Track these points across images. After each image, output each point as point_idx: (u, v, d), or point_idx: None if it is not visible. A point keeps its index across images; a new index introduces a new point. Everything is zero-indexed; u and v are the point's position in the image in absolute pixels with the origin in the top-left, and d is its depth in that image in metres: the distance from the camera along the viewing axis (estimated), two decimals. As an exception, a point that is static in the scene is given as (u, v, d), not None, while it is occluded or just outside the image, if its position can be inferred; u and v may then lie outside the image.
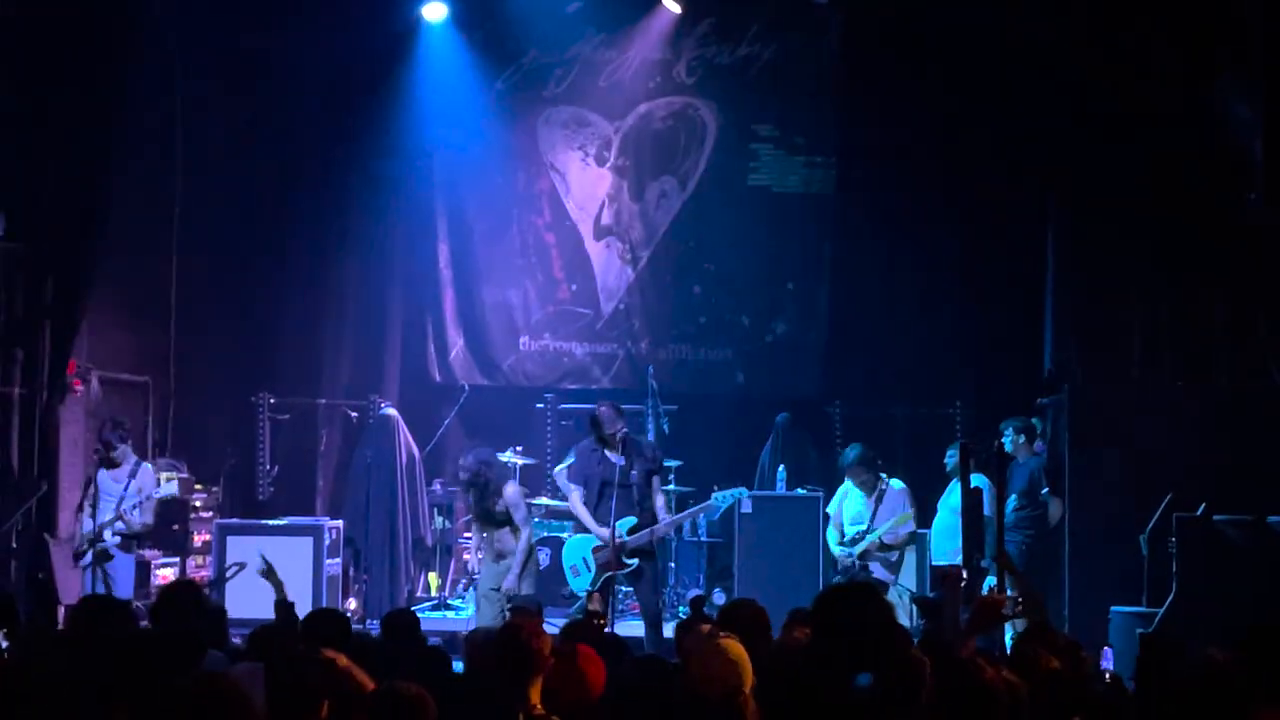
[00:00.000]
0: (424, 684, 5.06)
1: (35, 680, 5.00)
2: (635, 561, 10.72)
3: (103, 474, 11.79)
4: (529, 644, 5.53)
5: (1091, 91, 12.29)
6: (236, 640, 7.47)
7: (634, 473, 11.01)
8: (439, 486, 14.32)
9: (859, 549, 11.73)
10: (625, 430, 11.09)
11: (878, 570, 11.74)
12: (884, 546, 11.74)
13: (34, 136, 12.82)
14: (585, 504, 11.04)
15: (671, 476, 12.19)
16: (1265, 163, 11.45)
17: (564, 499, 13.75)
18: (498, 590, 10.66)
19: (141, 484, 11.79)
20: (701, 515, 13.64)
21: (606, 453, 11.01)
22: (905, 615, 12.45)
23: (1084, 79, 12.40)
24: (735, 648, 5.40)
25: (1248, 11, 11.69)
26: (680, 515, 11.30)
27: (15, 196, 12.76)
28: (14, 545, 12.67)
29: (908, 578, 12.63)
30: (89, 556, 11.62)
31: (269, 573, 8.51)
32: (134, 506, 11.66)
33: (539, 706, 5.45)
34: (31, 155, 12.83)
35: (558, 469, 13.20)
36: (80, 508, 11.91)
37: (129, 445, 12.01)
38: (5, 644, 6.88)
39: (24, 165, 12.81)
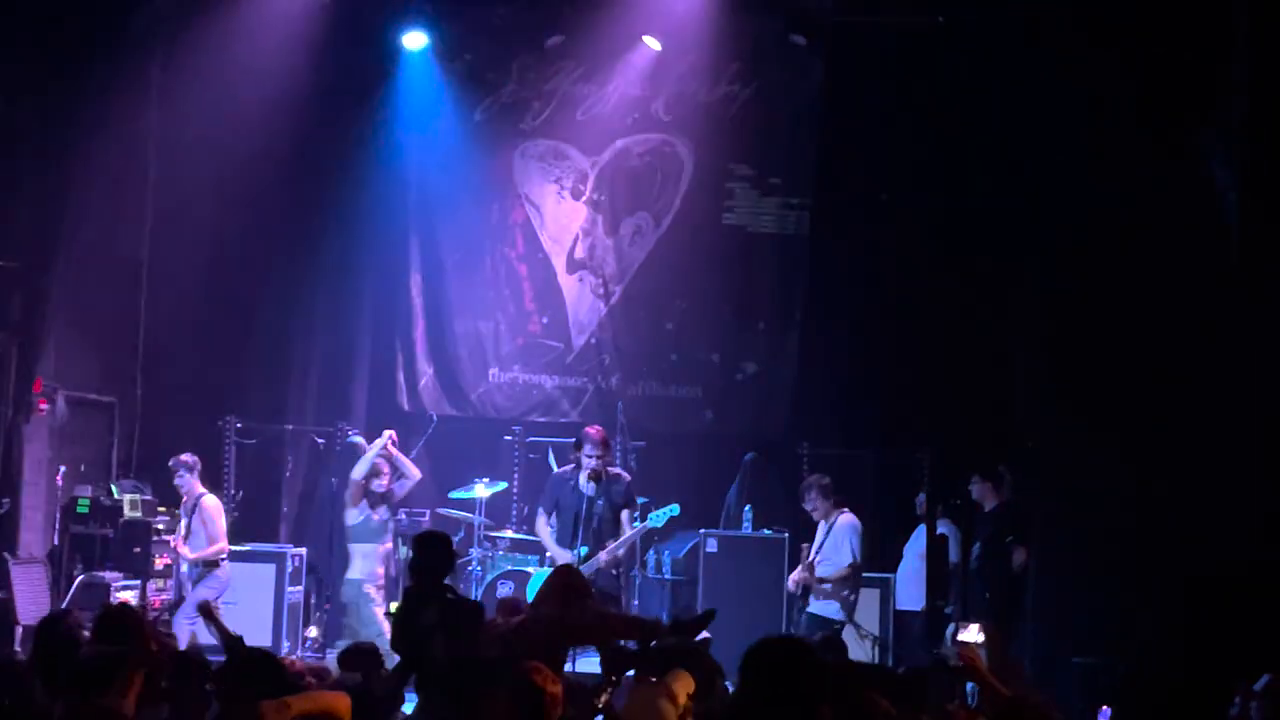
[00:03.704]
0: None
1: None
2: None
3: (183, 507, 12.11)
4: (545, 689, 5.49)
5: (1070, 145, 12.34)
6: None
7: (600, 503, 11.12)
8: (404, 516, 14.23)
9: (794, 578, 11.71)
10: (600, 462, 11.16)
11: (817, 605, 11.66)
12: (823, 581, 11.66)
13: (5, 154, 12.77)
14: (554, 532, 11.21)
15: (637, 513, 12.22)
16: (1240, 224, 11.53)
17: (529, 533, 13.76)
18: None
19: (201, 518, 12.01)
20: (665, 552, 13.71)
21: (580, 483, 11.13)
22: (866, 656, 12.48)
23: (1063, 131, 12.46)
24: (659, 699, 5.49)
25: (1230, 72, 11.77)
26: (620, 542, 11.35)
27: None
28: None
29: (870, 620, 12.63)
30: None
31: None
32: (190, 535, 12.07)
33: None
34: (1, 173, 12.78)
35: None
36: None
37: (194, 477, 12.12)
38: None
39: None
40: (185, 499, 12.28)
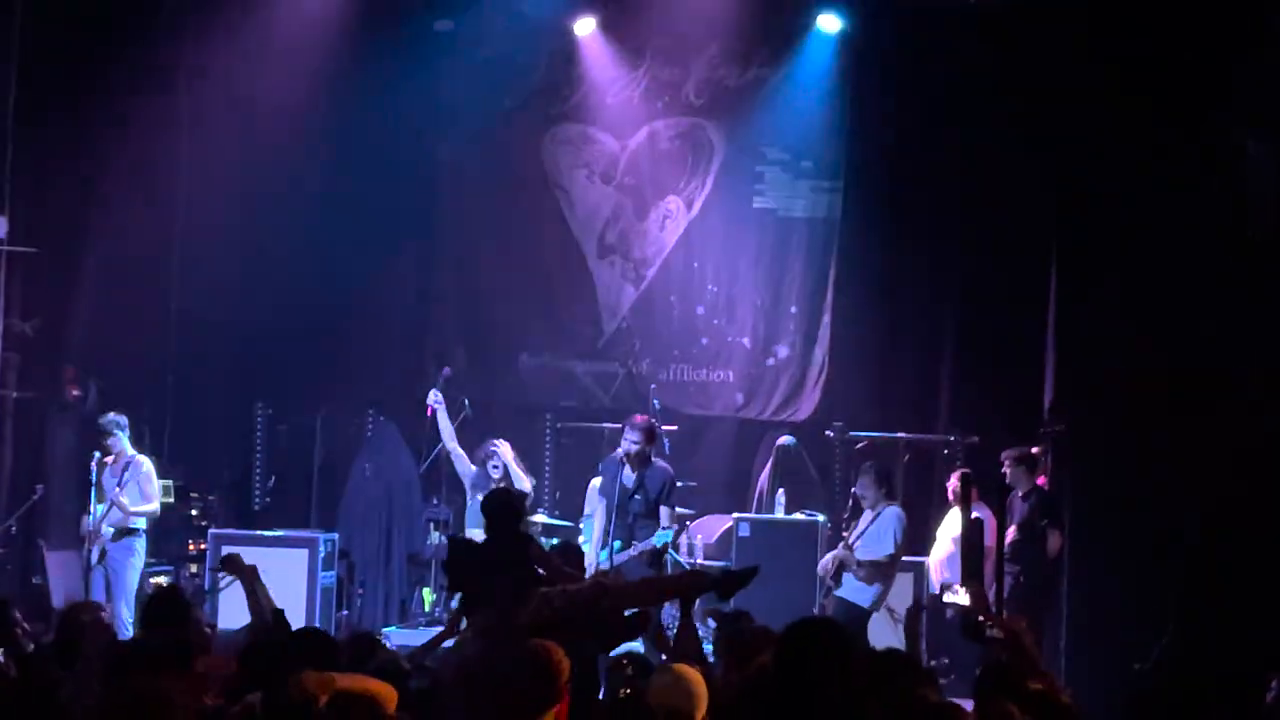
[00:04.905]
0: None
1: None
2: None
3: (105, 473, 11.93)
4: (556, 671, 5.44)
5: (1101, 122, 12.26)
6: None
7: (636, 497, 11.12)
8: (436, 501, 14.26)
9: (831, 557, 11.66)
10: (637, 449, 11.18)
11: (849, 588, 11.59)
12: (861, 564, 11.60)
13: (36, 141, 12.81)
14: (602, 521, 11.27)
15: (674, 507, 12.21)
16: (1272, 206, 11.44)
17: (561, 518, 13.76)
18: None
19: (134, 474, 11.92)
20: (698, 535, 13.68)
21: (623, 472, 11.16)
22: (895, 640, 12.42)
23: (1094, 109, 12.38)
24: (690, 675, 5.48)
25: (1261, 50, 11.67)
26: (635, 550, 11.33)
27: (16, 200, 12.74)
28: (7, 550, 12.67)
29: (903, 605, 12.56)
30: (94, 556, 11.76)
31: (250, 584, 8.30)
32: (124, 486, 11.81)
33: None
34: (33, 159, 12.82)
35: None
36: (86, 510, 12.02)
37: (124, 436, 12.07)
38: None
39: (25, 169, 12.79)
40: (114, 459, 12.09)
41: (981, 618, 6.79)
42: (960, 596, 10.87)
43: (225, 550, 12.55)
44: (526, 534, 9.03)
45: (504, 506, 8.71)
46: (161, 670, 5.64)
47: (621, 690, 6.36)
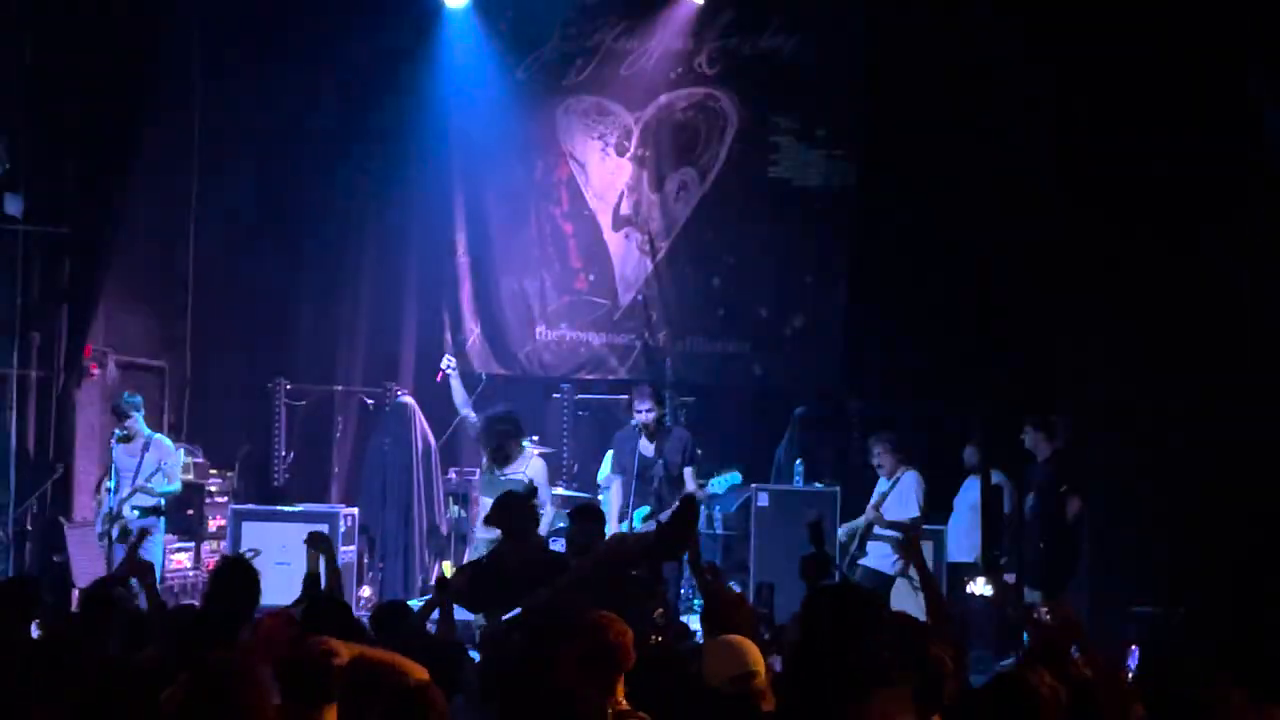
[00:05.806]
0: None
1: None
2: None
3: (119, 451, 11.93)
4: (617, 641, 5.47)
5: (1118, 92, 12.21)
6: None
7: (659, 463, 11.15)
8: (454, 475, 14.29)
9: (856, 524, 11.71)
10: (653, 416, 11.22)
11: (875, 556, 11.65)
12: (885, 525, 11.66)
13: (54, 119, 12.82)
14: (622, 495, 11.29)
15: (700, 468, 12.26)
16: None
17: (579, 490, 13.76)
18: None
19: (159, 455, 11.94)
20: (716, 507, 13.67)
21: (640, 442, 11.18)
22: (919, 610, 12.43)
23: (1111, 79, 12.33)
24: (739, 642, 5.50)
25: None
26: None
27: (35, 179, 12.75)
28: (29, 528, 12.71)
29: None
30: (115, 533, 11.78)
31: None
32: (151, 475, 11.81)
33: (624, 702, 5.42)
34: (51, 138, 12.83)
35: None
36: (99, 489, 12.01)
37: (140, 415, 12.10)
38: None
39: (44, 148, 12.81)
40: (132, 438, 12.08)
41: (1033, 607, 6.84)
42: (980, 585, 10.94)
43: (245, 526, 12.72)
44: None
45: (520, 509, 8.68)
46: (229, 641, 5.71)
47: (653, 637, 6.37)
